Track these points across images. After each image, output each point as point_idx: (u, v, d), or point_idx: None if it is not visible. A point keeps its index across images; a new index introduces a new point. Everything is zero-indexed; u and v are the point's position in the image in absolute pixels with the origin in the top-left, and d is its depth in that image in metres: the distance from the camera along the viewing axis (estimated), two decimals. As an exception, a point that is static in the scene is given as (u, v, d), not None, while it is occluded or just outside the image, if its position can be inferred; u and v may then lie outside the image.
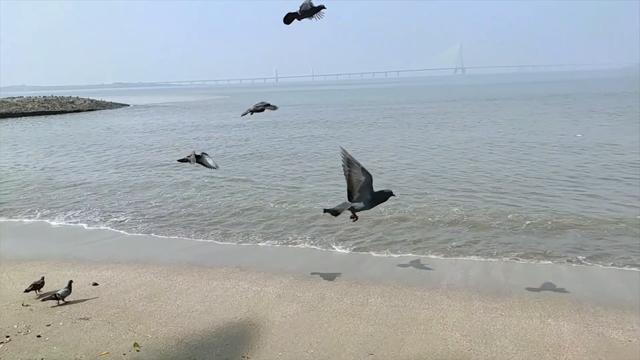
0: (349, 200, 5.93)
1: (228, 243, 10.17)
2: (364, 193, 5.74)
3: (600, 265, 8.12)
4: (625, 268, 7.99)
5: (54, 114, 55.66)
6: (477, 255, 8.80)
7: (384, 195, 5.87)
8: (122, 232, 11.16)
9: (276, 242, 9.98)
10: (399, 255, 8.99)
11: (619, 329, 5.91)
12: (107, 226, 11.58)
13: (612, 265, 8.13)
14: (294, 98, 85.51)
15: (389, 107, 50.21)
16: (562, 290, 7.18)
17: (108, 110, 61.91)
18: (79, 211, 12.95)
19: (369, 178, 5.65)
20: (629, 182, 13.33)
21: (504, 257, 8.62)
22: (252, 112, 7.01)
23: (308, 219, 11.33)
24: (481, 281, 7.66)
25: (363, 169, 5.63)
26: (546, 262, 8.37)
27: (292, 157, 19.85)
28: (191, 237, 10.59)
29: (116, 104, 69.75)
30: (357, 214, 6.14)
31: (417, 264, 8.56)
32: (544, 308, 6.54)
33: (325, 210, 6.31)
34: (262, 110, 7.04)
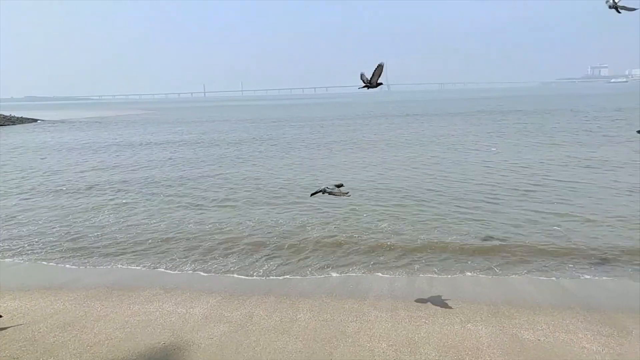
0: None
1: (150, 266, 9.71)
2: None
3: (515, 275, 8.66)
4: (541, 278, 8.54)
5: (-48, 129, 50.71)
6: (402, 269, 9.04)
7: None
8: (30, 260, 10.31)
9: (201, 264, 9.68)
10: (325, 275, 8.98)
11: (530, 329, 6.35)
12: (13, 255, 10.64)
13: (525, 273, 8.72)
14: (223, 113, 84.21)
15: (316, 123, 50.87)
16: (480, 296, 7.62)
17: (18, 126, 57.39)
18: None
19: None
20: (537, 199, 14.31)
21: (427, 272, 8.91)
22: (323, 192, 7.01)
23: (233, 241, 11.07)
24: (406, 291, 7.91)
25: None
26: (468, 273, 8.80)
27: (218, 178, 19.32)
28: (110, 261, 10.01)
29: (27, 119, 64.90)
30: None
31: (345, 278, 8.68)
32: (464, 314, 6.88)
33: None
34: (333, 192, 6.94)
